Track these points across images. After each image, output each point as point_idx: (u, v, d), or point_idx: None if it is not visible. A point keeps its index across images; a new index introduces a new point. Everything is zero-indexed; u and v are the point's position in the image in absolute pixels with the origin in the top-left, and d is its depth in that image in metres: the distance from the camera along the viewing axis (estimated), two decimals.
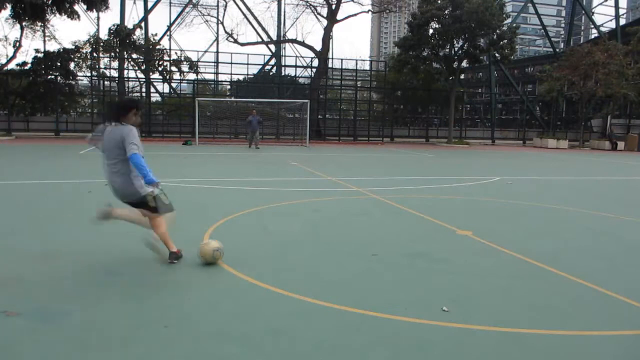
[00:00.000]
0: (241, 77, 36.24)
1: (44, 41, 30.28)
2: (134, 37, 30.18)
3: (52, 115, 29.87)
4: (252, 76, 35.91)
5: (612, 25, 43.87)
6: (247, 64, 32.99)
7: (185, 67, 31.76)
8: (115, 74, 31.64)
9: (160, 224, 4.37)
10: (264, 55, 45.23)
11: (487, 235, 5.73)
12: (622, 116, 37.52)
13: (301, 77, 38.27)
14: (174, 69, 31.96)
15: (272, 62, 36.27)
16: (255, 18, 40.15)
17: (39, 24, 29.03)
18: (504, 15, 29.79)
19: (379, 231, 5.98)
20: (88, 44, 30.19)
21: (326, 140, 30.87)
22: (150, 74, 31.58)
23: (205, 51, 38.72)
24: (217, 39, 40.79)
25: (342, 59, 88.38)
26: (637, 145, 30.88)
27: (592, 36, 49.34)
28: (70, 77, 30.34)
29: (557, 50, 42.65)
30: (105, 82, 31.05)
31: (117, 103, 4.30)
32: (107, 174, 4.26)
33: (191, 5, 36.41)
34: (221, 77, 37.10)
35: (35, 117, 29.92)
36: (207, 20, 37.81)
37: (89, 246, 4.87)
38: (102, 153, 4.25)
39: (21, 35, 28.31)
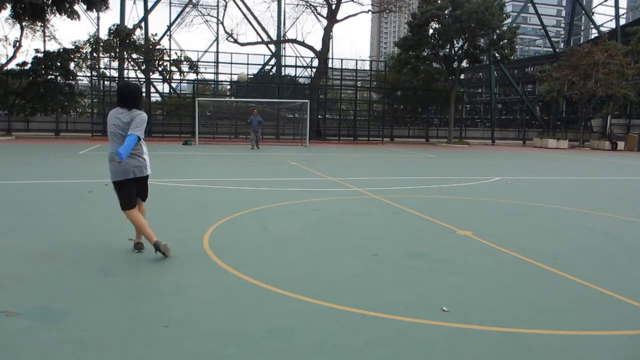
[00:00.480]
0: None
1: (44, 41, 30.33)
2: (134, 37, 30.18)
3: (52, 115, 29.89)
4: (252, 76, 35.90)
5: (612, 25, 43.92)
6: (247, 64, 32.97)
7: (185, 67, 31.77)
8: (115, 74, 31.64)
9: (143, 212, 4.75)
10: (264, 55, 45.24)
11: (487, 235, 5.73)
12: (622, 116, 37.53)
13: (301, 77, 38.30)
14: (174, 69, 31.96)
15: (272, 62, 36.28)
16: (255, 18, 40.23)
17: (39, 24, 29.04)
18: (504, 15, 29.80)
19: (379, 231, 5.98)
20: (88, 44, 30.19)
21: (326, 140, 30.88)
22: (150, 74, 31.59)
23: (205, 51, 38.76)
24: (217, 39, 40.85)
25: (342, 59, 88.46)
26: (637, 145, 30.89)
27: (592, 36, 49.39)
28: (70, 77, 30.36)
29: (557, 50, 42.68)
30: (105, 82, 31.05)
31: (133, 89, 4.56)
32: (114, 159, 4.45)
33: (191, 5, 36.44)
34: (221, 77, 37.17)
35: (35, 117, 29.94)
36: (207, 20, 37.86)
37: (89, 246, 4.87)
38: (111, 135, 4.45)
39: (21, 35, 28.33)
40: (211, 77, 36.73)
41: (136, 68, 32.02)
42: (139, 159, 4.50)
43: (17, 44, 28.39)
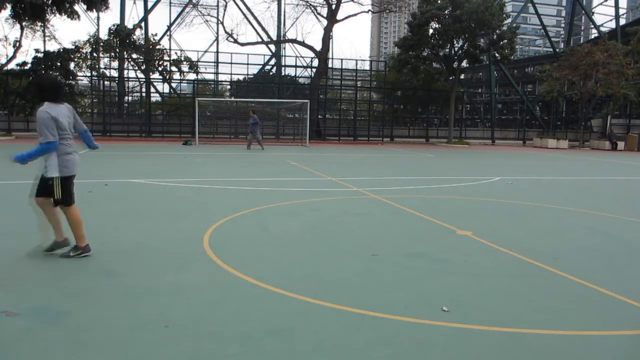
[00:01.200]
0: (241, 77, 36.26)
1: (44, 41, 30.31)
2: (134, 37, 30.17)
3: None
4: (252, 76, 35.90)
5: (612, 25, 43.93)
6: (247, 64, 32.99)
7: (185, 67, 31.77)
8: (115, 74, 31.65)
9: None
10: (264, 55, 45.24)
11: (487, 235, 5.73)
12: (622, 116, 37.54)
13: (301, 77, 38.30)
14: (174, 69, 31.96)
15: (272, 62, 36.28)
16: (255, 18, 40.30)
17: (39, 24, 29.01)
18: (504, 15, 29.80)
19: (379, 231, 5.98)
20: (88, 44, 30.18)
21: (326, 140, 30.87)
22: (150, 74, 31.58)
23: (205, 51, 38.73)
24: (217, 39, 40.83)
25: (342, 59, 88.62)
26: (637, 145, 30.88)
27: (592, 36, 49.40)
28: (70, 77, 30.32)
29: (557, 50, 42.69)
30: (105, 82, 31.05)
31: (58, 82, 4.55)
32: (73, 151, 4.48)
33: (191, 5, 36.44)
34: (221, 77, 37.13)
35: (35, 117, 29.86)
36: (207, 20, 37.87)
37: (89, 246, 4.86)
38: (64, 132, 4.38)
39: (21, 35, 28.30)
40: (211, 77, 36.77)
41: (136, 68, 32.02)
42: (77, 155, 4.53)
43: (17, 44, 28.37)
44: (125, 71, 31.60)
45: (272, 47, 35.43)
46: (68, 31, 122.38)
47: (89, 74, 30.89)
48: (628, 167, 17.86)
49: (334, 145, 27.18)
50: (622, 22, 42.93)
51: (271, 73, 37.13)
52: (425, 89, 35.48)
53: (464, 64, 33.50)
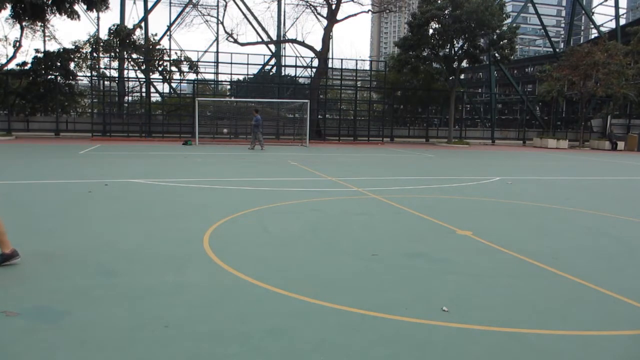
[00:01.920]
0: (241, 77, 36.24)
1: (44, 41, 30.33)
2: (134, 37, 30.19)
3: (52, 115, 29.90)
4: (252, 76, 35.88)
5: (612, 25, 43.94)
6: (247, 64, 32.93)
7: (185, 67, 31.77)
8: (115, 74, 31.64)
9: None
10: (264, 55, 45.14)
11: (487, 235, 5.73)
12: (622, 116, 37.54)
13: (301, 77, 38.27)
14: (174, 69, 31.97)
15: (272, 62, 36.27)
16: (255, 18, 40.19)
17: (39, 24, 29.04)
18: (504, 15, 29.81)
19: (379, 231, 5.98)
20: (88, 44, 30.20)
21: (326, 140, 30.87)
22: (150, 74, 31.58)
23: (205, 51, 38.79)
24: (217, 39, 40.85)
25: (342, 59, 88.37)
26: (637, 145, 30.90)
27: (592, 36, 49.36)
28: (70, 77, 30.35)
29: (557, 50, 42.68)
30: (105, 82, 31.05)
31: None
32: None
33: (191, 5, 36.44)
34: (221, 77, 37.13)
35: (35, 117, 29.93)
36: (207, 20, 37.87)
37: (89, 246, 4.87)
38: None
39: (21, 35, 28.31)
40: (211, 77, 36.76)
41: (136, 68, 32.03)
42: None
43: (17, 44, 28.37)
44: (125, 71, 31.60)
45: (272, 47, 35.42)
46: (68, 31, 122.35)
47: (89, 74, 30.91)
48: (628, 167, 17.86)
49: (334, 145, 27.18)
50: (622, 22, 42.92)
51: (271, 73, 37.11)
52: (425, 89, 35.47)
53: (464, 64, 33.50)
